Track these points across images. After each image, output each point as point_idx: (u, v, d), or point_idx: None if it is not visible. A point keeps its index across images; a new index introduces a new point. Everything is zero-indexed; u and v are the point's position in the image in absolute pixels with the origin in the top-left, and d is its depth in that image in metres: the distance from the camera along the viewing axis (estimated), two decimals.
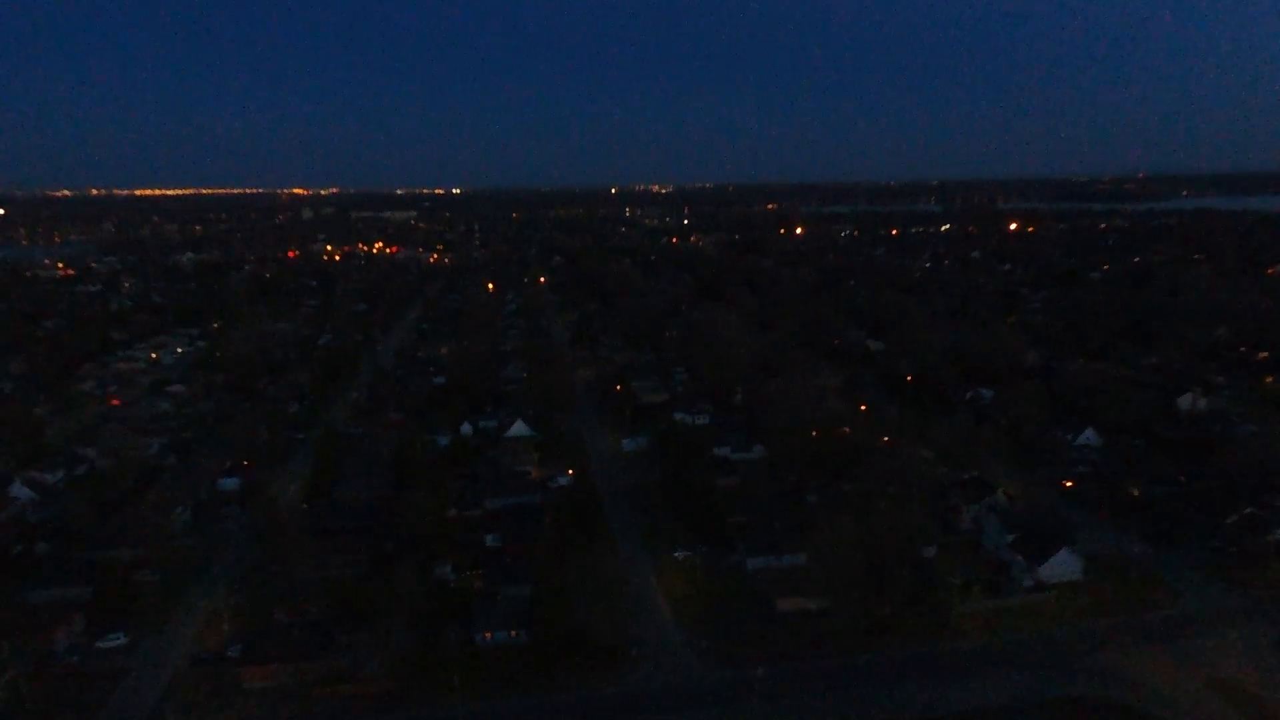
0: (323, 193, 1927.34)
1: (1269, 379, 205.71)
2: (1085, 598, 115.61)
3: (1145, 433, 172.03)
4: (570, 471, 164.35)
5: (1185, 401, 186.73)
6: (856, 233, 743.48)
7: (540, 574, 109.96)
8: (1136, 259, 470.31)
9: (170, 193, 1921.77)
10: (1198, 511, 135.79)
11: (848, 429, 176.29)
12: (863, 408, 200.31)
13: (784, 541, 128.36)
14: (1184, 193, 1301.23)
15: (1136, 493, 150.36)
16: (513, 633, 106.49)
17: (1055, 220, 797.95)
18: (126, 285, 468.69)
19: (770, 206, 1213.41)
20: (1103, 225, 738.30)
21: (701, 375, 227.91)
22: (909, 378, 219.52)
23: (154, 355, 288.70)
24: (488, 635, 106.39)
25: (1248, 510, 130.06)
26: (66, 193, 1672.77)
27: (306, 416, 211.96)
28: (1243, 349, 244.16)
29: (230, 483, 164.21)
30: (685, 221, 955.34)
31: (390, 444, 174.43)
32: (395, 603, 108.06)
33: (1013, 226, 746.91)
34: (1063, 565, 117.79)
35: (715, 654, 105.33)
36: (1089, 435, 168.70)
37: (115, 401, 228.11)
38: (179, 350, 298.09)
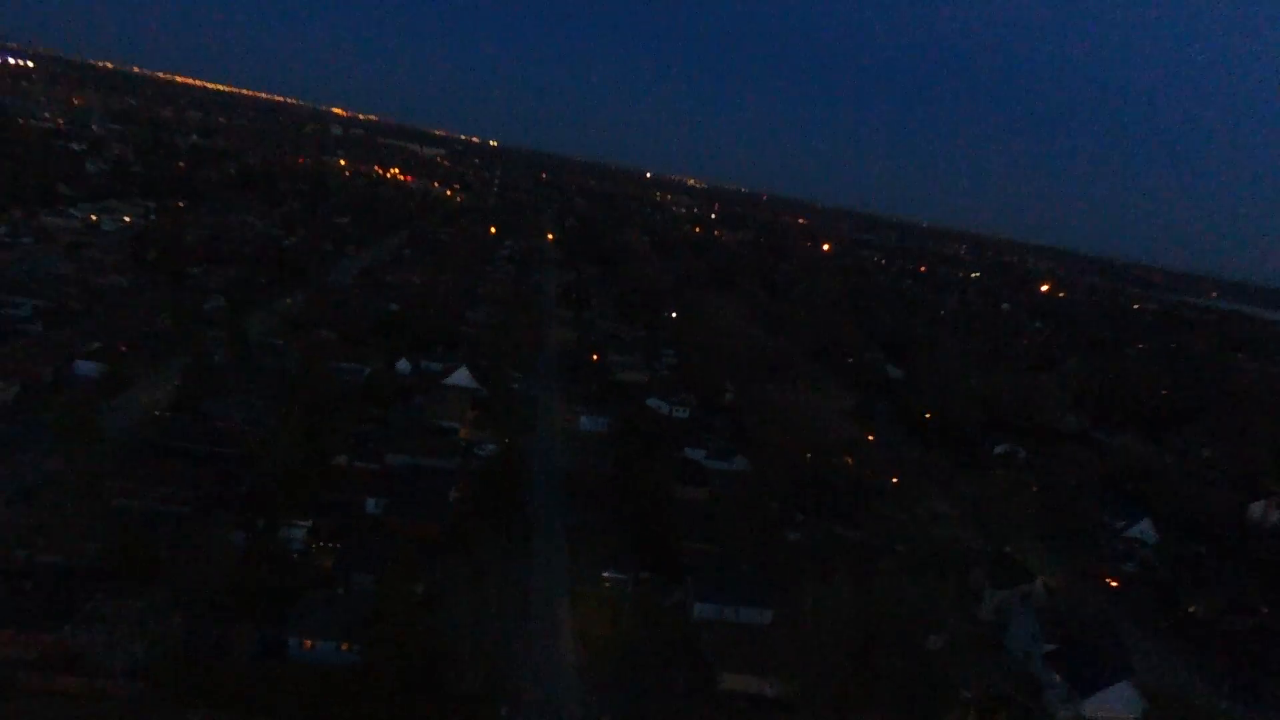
0: (361, 117, 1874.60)
1: None
2: None
3: (1211, 538, 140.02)
4: (505, 440, 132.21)
5: (1258, 510, 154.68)
6: (884, 262, 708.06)
7: (396, 566, 76.87)
8: (1174, 344, 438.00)
9: (210, 85, 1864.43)
10: None
11: (851, 459, 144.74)
12: (871, 438, 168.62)
13: (748, 588, 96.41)
14: (1213, 293, 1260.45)
15: (1193, 610, 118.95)
16: (343, 646, 74.36)
17: (1087, 291, 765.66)
18: (117, 150, 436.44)
19: (800, 220, 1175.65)
20: (1135, 305, 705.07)
21: (692, 362, 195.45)
22: (929, 414, 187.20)
23: (94, 218, 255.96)
24: (307, 644, 74.29)
25: None
26: (108, 64, 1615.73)
27: (226, 316, 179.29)
28: None
29: (88, 367, 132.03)
30: (713, 215, 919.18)
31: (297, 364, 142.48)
32: (192, 568, 76.38)
33: (1045, 288, 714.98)
34: (1119, 702, 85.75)
35: None
36: (1144, 528, 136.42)
37: None
38: (126, 219, 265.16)
